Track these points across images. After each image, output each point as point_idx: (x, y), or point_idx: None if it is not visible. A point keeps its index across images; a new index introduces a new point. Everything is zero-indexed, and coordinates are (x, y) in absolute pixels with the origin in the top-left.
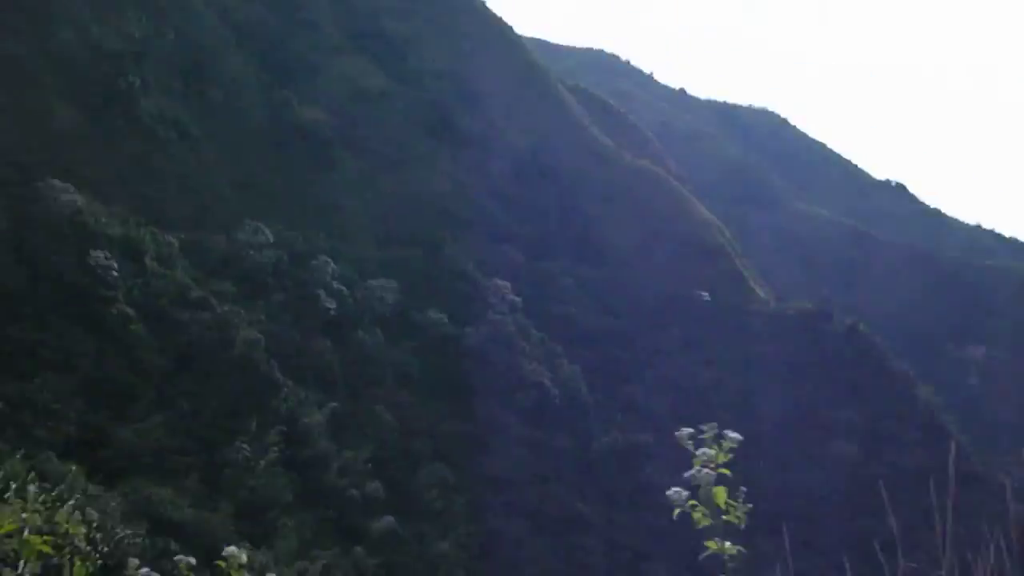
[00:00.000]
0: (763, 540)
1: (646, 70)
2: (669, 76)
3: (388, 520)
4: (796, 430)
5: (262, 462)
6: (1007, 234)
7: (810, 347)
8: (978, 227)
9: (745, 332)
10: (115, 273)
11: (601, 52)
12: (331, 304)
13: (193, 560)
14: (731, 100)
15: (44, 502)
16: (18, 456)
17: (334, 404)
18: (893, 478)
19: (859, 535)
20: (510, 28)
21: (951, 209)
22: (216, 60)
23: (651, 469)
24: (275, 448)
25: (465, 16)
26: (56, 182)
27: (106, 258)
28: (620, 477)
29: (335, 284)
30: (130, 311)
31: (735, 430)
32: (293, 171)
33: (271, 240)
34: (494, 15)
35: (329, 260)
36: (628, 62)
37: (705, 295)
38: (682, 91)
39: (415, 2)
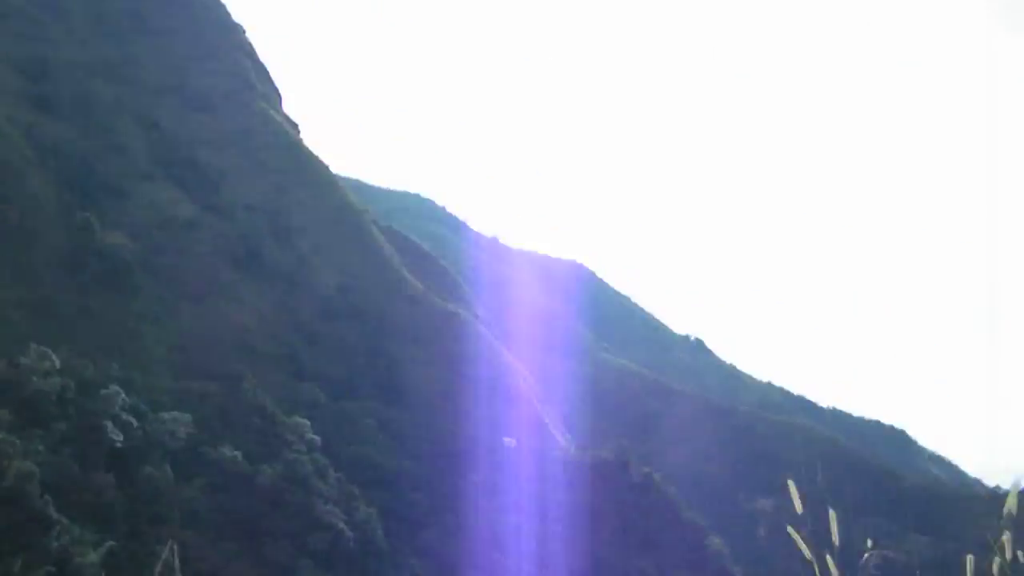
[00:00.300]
0: None
1: (461, 216)
2: (483, 224)
3: None
4: None
5: None
6: (795, 391)
7: (607, 495)
8: (769, 384)
9: (545, 479)
10: None
11: (418, 196)
12: (117, 436)
13: None
14: (542, 251)
15: None
16: None
17: (111, 543)
18: None
19: None
20: (325, 166)
21: (746, 366)
22: (14, 177)
23: None
24: None
25: (281, 152)
26: None
27: None
28: None
29: (124, 416)
30: None
31: None
32: (91, 296)
33: (58, 367)
34: (310, 152)
35: (120, 390)
36: (444, 208)
37: (511, 441)
38: (495, 239)
39: (231, 135)
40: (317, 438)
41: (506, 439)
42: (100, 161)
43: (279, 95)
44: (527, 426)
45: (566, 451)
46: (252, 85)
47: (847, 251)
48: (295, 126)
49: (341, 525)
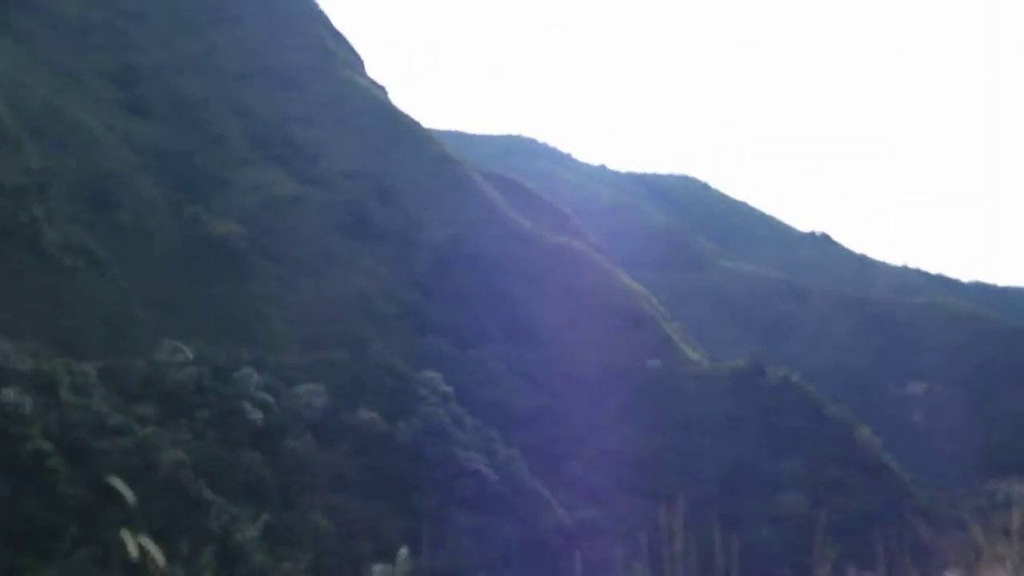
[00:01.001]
0: None
1: (564, 149)
2: (588, 153)
3: None
4: (742, 487)
5: None
6: (933, 271)
7: (746, 403)
8: (905, 267)
9: (680, 395)
10: (27, 409)
11: (518, 137)
12: (257, 415)
13: None
14: (651, 170)
15: None
16: None
17: (267, 516)
18: (842, 523)
19: None
20: (417, 123)
21: (877, 253)
22: (122, 183)
23: (601, 543)
24: (209, 569)
25: (372, 116)
26: None
27: (17, 395)
28: (569, 555)
29: (260, 394)
30: (46, 446)
31: (680, 493)
32: (211, 285)
33: (191, 357)
34: (400, 112)
35: (253, 371)
36: (546, 144)
37: (656, 362)
38: (602, 166)
39: (321, 107)
40: (449, 389)
41: (650, 361)
42: (200, 154)
43: (361, 60)
44: (655, 346)
45: (698, 364)
46: (333, 54)
47: (971, 116)
48: (382, 88)
49: (484, 469)
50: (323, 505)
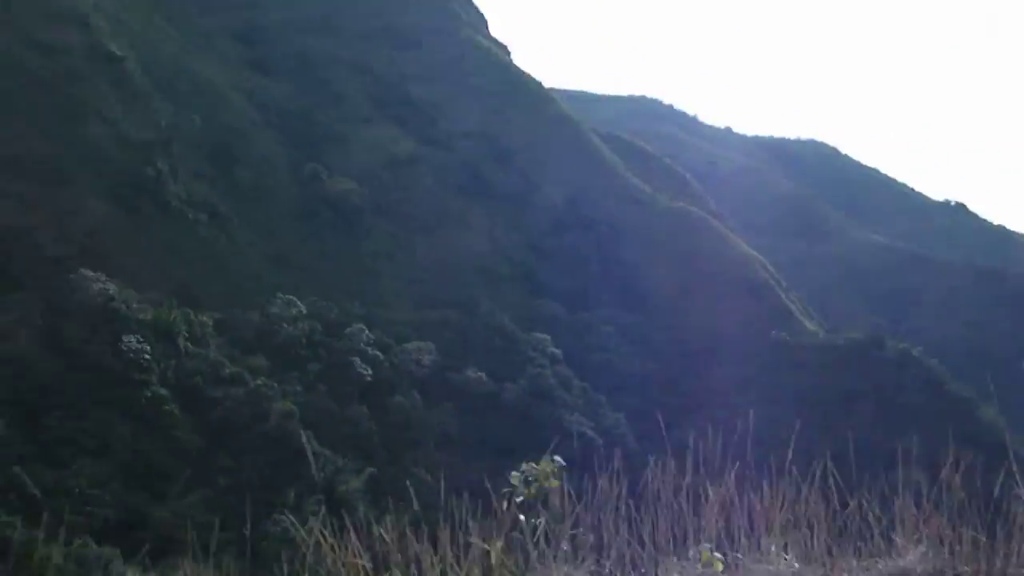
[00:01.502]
0: None
1: (690, 112)
2: (714, 116)
3: None
4: (856, 461)
5: (301, 532)
6: None
7: (863, 376)
8: None
9: (795, 366)
10: (148, 356)
11: (643, 98)
12: (366, 370)
13: None
14: (778, 134)
15: None
16: (56, 543)
17: (372, 469)
18: (961, 504)
19: None
20: (538, 83)
21: (1018, 225)
22: (244, 140)
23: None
24: (313, 518)
25: (492, 76)
26: (88, 272)
27: (138, 342)
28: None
29: (370, 350)
30: (164, 392)
31: (791, 467)
32: (326, 242)
33: (304, 312)
34: (521, 72)
35: (363, 327)
36: (671, 106)
37: (781, 333)
38: (728, 130)
39: (441, 67)
40: (558, 351)
41: (773, 332)
42: (320, 112)
43: (484, 19)
44: (771, 315)
45: (815, 335)
46: (456, 15)
47: None
48: (504, 48)
49: (590, 433)
50: (427, 462)
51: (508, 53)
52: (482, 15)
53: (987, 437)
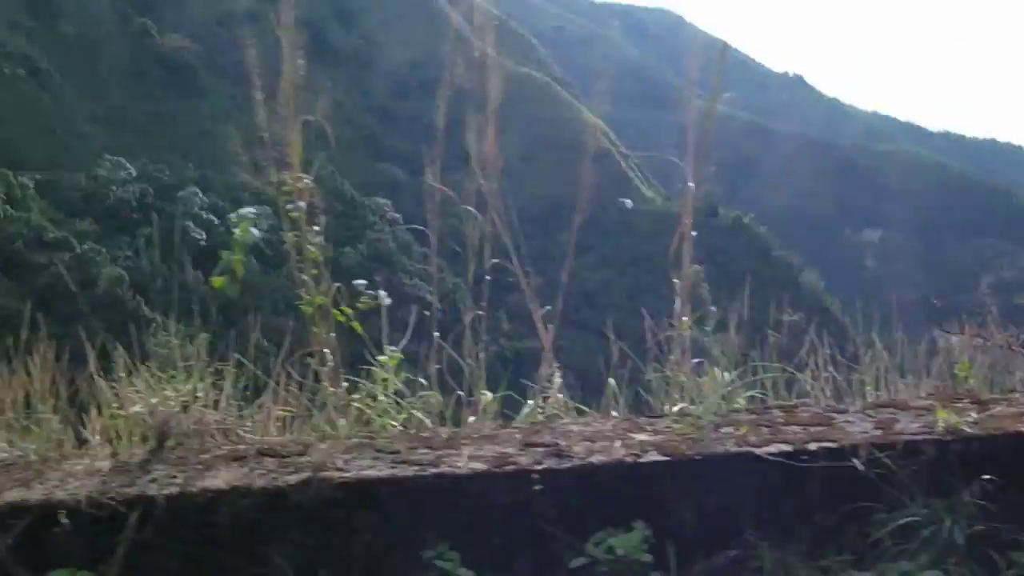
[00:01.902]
0: None
1: None
2: None
3: None
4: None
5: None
6: (902, 118)
7: (697, 242)
8: (875, 113)
9: (632, 232)
10: None
11: None
12: (200, 235)
13: None
14: (627, 1)
15: None
16: None
17: (206, 335)
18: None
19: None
20: None
21: (850, 98)
22: None
23: (536, 373)
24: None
25: None
26: None
27: None
28: (510, 383)
29: (204, 215)
30: None
31: (625, 328)
32: (159, 102)
33: (134, 175)
34: None
35: (197, 191)
36: None
37: (627, 202)
38: None
39: None
40: (398, 216)
41: (621, 200)
42: None
43: None
44: (610, 182)
45: (652, 202)
46: None
47: None
48: None
49: (429, 297)
50: (266, 327)
51: None
52: None
53: (807, 300)
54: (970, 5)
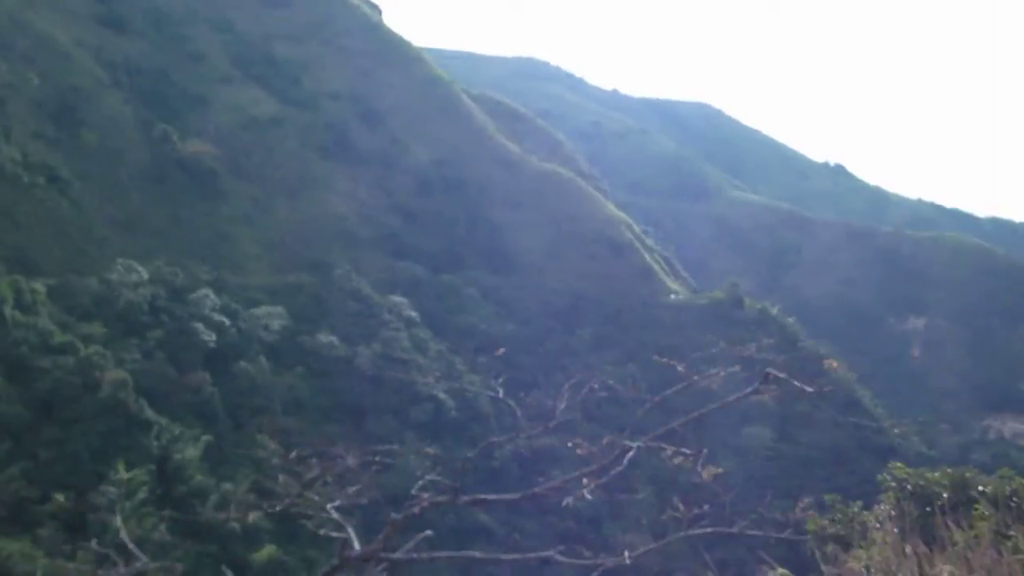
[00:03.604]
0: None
1: (577, 74)
2: (602, 78)
3: (270, 549)
4: (709, 419)
5: (127, 504)
6: (948, 205)
7: (721, 334)
8: (920, 201)
9: (655, 326)
10: None
11: (531, 59)
12: (210, 336)
13: None
14: (665, 96)
15: None
16: None
17: (207, 437)
18: (808, 458)
19: (774, 519)
20: (408, 43)
21: (893, 186)
22: (89, 101)
23: (557, 472)
24: (144, 487)
25: (362, 36)
26: None
27: None
28: (524, 484)
29: (216, 316)
30: None
31: (647, 425)
32: (179, 206)
33: (145, 277)
34: (392, 32)
35: (209, 292)
36: (558, 67)
37: (676, 295)
38: (615, 91)
39: (309, 26)
40: (415, 314)
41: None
42: (177, 72)
43: None
44: (635, 276)
45: (677, 296)
46: None
47: (993, 46)
48: (376, 8)
49: (442, 395)
50: (273, 428)
51: (379, 13)
52: None
53: (836, 392)
54: (1016, 90)
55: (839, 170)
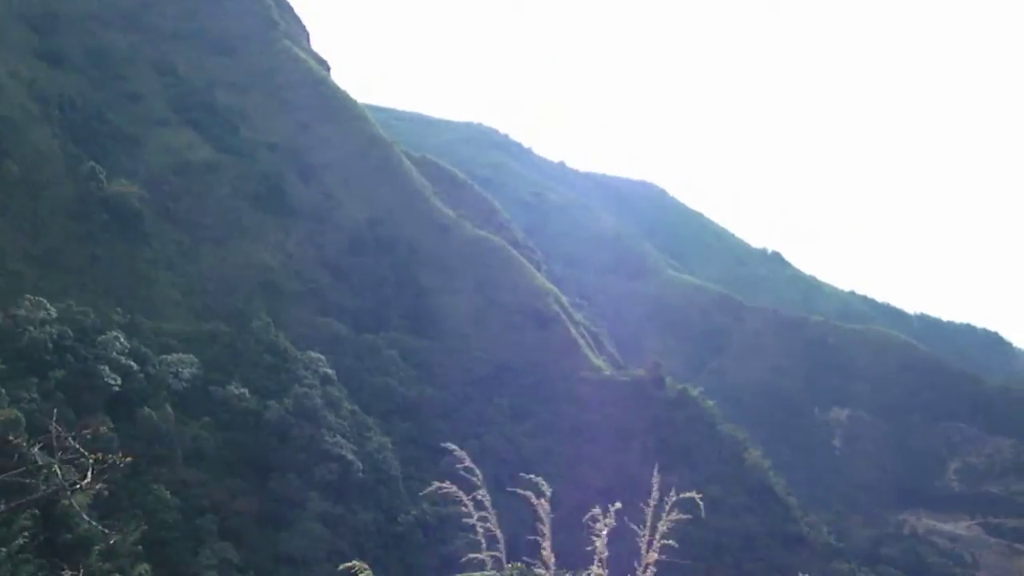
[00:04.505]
0: None
1: (525, 144)
2: (549, 150)
3: None
4: (621, 497)
5: (3, 550)
6: (880, 299)
7: (641, 413)
8: (852, 293)
9: (575, 400)
10: None
11: (480, 126)
12: (115, 380)
13: None
14: (611, 173)
15: None
16: None
17: (100, 484)
18: (718, 543)
19: None
20: (354, 102)
21: (827, 276)
22: (16, 132)
23: (461, 542)
24: (25, 534)
25: (305, 90)
26: None
27: None
28: (427, 551)
29: (124, 359)
30: None
31: (561, 498)
32: (99, 245)
33: (54, 315)
34: (337, 88)
35: (119, 335)
36: (506, 135)
37: (564, 367)
38: (561, 164)
39: (252, 76)
40: (331, 371)
41: (557, 366)
42: (112, 111)
43: (306, 32)
44: (558, 348)
45: (599, 371)
46: (275, 24)
47: (935, 154)
48: (324, 63)
49: (350, 456)
50: (172, 478)
51: (327, 68)
52: (304, 28)
53: (751, 478)
54: (954, 192)
55: (776, 257)
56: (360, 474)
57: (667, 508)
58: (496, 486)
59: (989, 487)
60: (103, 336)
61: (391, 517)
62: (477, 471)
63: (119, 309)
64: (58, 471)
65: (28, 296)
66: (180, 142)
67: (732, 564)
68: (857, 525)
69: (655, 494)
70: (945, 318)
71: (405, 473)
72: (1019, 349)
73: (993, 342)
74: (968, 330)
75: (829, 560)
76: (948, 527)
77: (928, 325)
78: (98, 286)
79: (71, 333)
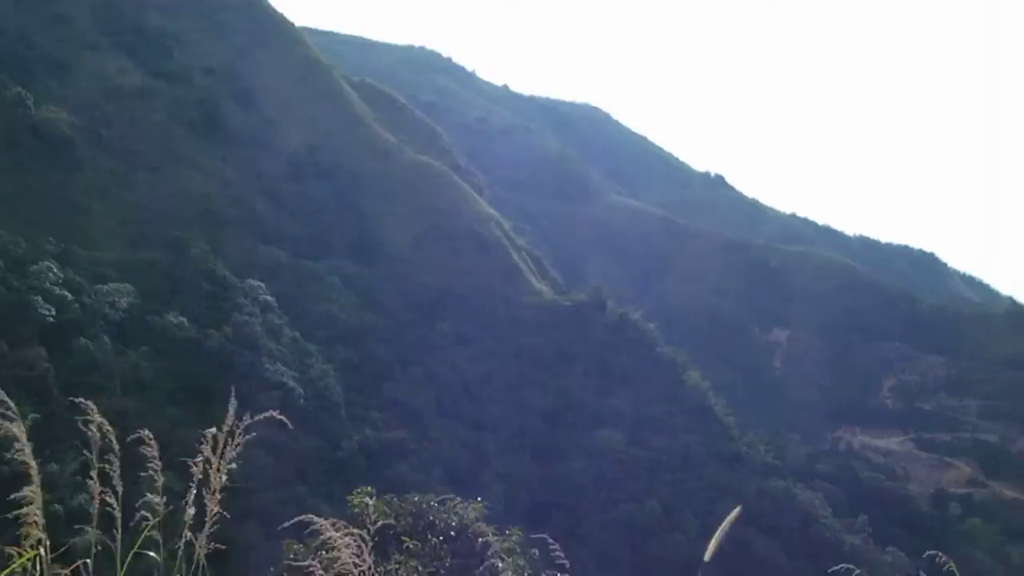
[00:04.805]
0: (526, 531)
1: (469, 67)
2: (493, 74)
3: (94, 534)
4: (563, 420)
5: None
6: (821, 222)
7: (581, 337)
8: (794, 216)
9: (517, 325)
10: None
11: (422, 49)
12: (48, 311)
13: None
14: (555, 96)
15: None
16: None
17: (35, 415)
18: (657, 462)
19: (620, 521)
20: (291, 25)
21: (769, 199)
22: None
23: (405, 466)
24: None
25: (241, 12)
26: None
27: None
28: (370, 476)
29: (57, 290)
30: None
31: (502, 422)
32: (29, 174)
33: None
34: (274, 11)
35: (51, 265)
36: (450, 59)
37: (506, 291)
38: (505, 87)
39: None
40: (271, 298)
41: (499, 290)
42: (39, 34)
43: None
44: (500, 274)
45: (540, 295)
46: None
47: (875, 73)
48: None
49: (291, 383)
50: (112, 408)
51: None
52: None
53: (690, 399)
54: (896, 114)
55: (719, 181)
56: (302, 401)
57: None
58: (439, 411)
59: (922, 404)
60: (35, 266)
61: (334, 443)
62: None
63: (52, 239)
64: None
65: None
66: (111, 67)
67: (670, 482)
68: (794, 443)
69: None
70: (883, 240)
71: (347, 399)
72: (953, 269)
73: (929, 263)
74: (905, 251)
75: (766, 477)
76: (882, 443)
77: (867, 247)
78: (29, 215)
79: (2, 264)
